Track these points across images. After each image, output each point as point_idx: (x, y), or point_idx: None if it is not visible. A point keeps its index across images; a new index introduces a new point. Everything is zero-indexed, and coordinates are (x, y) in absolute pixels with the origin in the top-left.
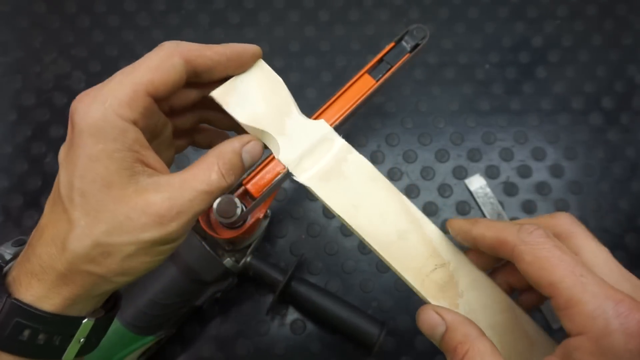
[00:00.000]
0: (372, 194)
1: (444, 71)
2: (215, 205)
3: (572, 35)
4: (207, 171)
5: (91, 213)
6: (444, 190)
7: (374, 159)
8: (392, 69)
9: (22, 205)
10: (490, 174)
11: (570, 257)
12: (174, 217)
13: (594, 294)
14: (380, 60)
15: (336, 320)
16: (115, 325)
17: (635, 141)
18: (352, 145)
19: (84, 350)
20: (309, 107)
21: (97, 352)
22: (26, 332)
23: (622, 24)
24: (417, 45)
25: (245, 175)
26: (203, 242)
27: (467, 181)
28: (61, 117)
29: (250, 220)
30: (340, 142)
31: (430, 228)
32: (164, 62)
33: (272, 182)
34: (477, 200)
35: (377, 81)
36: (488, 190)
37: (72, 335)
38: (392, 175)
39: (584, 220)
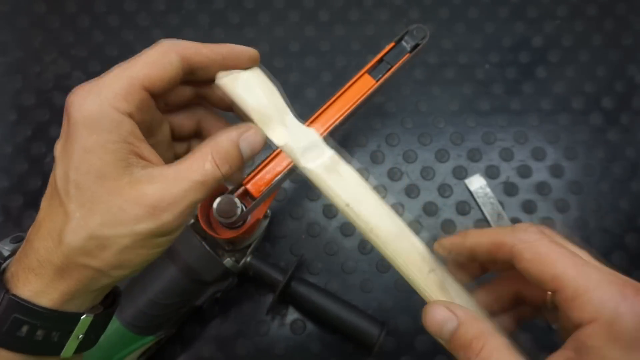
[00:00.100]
0: (366, 198)
1: (444, 71)
2: (215, 205)
3: (572, 35)
4: (201, 161)
5: (86, 205)
6: (444, 190)
7: (374, 159)
8: (392, 69)
9: (22, 205)
10: (490, 174)
11: (568, 250)
12: (167, 207)
13: (599, 281)
14: (380, 60)
15: (336, 320)
16: (115, 325)
17: (635, 141)
18: (352, 145)
19: (83, 346)
20: (309, 107)
21: (97, 352)
22: (24, 328)
23: (622, 24)
24: (417, 45)
25: (245, 175)
26: (203, 242)
27: (467, 181)
28: (61, 117)
29: (250, 220)
30: (330, 153)
31: (417, 239)
32: (160, 58)
33: (272, 182)
34: (477, 200)
35: (377, 81)
36: (488, 190)
37: (71, 332)
38: (392, 175)
39: (583, 220)
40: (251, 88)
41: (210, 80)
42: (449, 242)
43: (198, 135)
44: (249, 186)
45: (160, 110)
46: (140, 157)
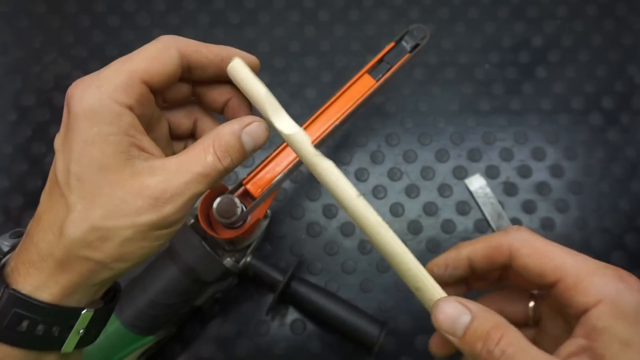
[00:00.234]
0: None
1: (444, 71)
2: (215, 205)
3: (572, 35)
4: (203, 153)
5: (87, 197)
6: (444, 190)
7: (374, 159)
8: (392, 69)
9: (22, 205)
10: (490, 174)
11: (559, 245)
12: (169, 199)
13: (596, 267)
14: (380, 60)
15: (336, 320)
16: (115, 325)
17: (635, 141)
18: (352, 145)
19: (84, 341)
20: (309, 107)
21: (97, 352)
22: (25, 323)
23: (622, 24)
24: (417, 45)
25: (245, 175)
26: (203, 242)
27: (467, 181)
28: (61, 117)
29: (250, 220)
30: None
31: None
32: (160, 53)
33: (272, 182)
34: (477, 200)
35: (377, 81)
36: (488, 190)
37: (71, 327)
38: (392, 175)
39: (583, 220)
40: (256, 80)
41: (206, 81)
42: (442, 259)
43: (194, 136)
44: (249, 186)
45: (159, 106)
46: (141, 150)
